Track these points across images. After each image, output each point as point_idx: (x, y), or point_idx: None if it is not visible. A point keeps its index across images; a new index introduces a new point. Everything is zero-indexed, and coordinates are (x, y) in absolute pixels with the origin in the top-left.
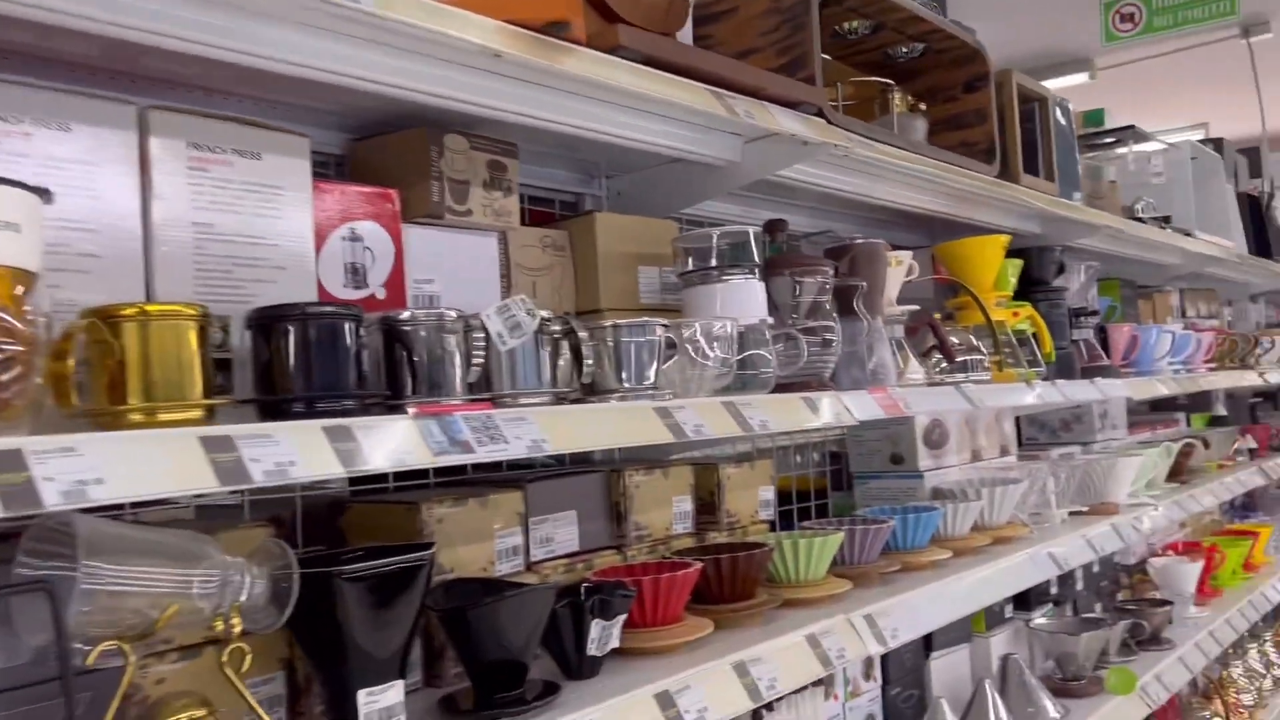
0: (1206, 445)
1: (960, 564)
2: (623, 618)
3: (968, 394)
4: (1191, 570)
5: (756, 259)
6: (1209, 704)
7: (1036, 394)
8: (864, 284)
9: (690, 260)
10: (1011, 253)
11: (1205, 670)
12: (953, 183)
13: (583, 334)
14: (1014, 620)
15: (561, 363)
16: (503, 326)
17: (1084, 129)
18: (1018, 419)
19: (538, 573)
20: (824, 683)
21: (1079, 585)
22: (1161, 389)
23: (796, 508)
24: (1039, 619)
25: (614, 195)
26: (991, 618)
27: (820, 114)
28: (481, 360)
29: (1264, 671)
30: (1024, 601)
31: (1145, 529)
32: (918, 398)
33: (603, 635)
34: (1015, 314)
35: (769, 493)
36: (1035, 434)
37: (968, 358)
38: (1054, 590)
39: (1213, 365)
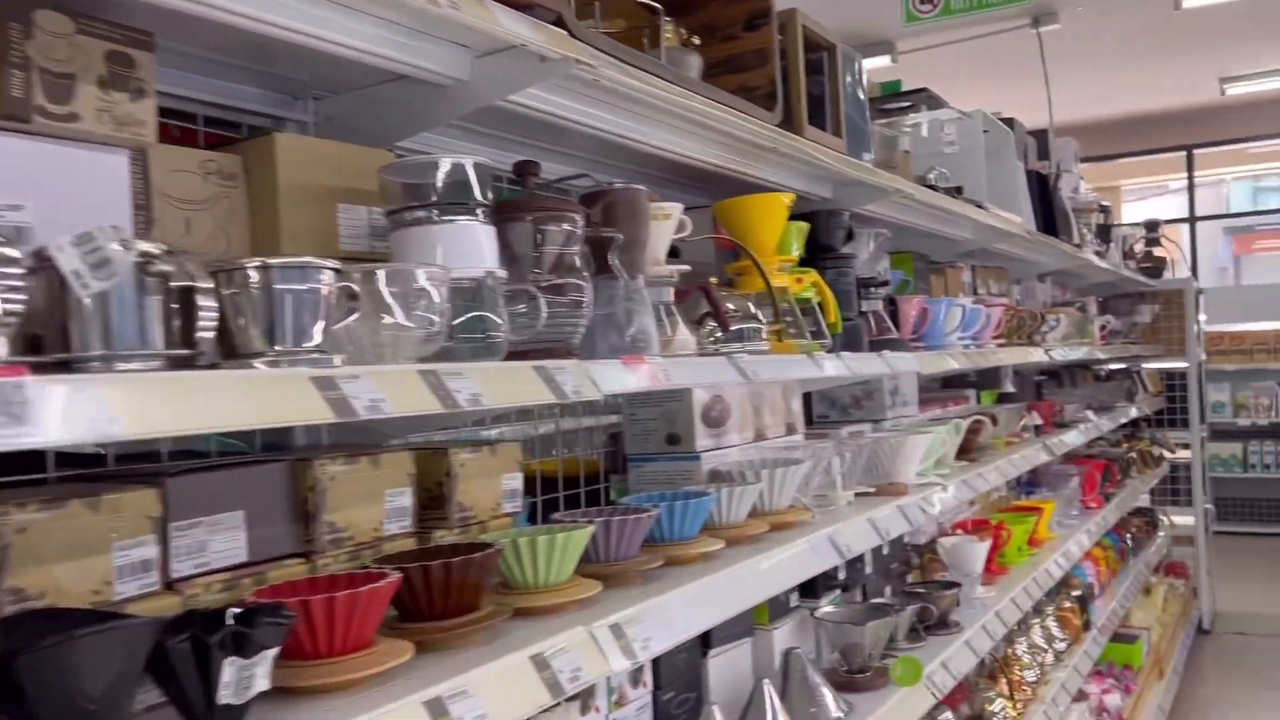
0: (995, 422)
1: (733, 555)
2: (272, 652)
3: (741, 366)
4: (980, 550)
5: (481, 197)
6: (994, 684)
7: (818, 367)
8: (621, 236)
9: (405, 198)
10: (798, 216)
11: (990, 650)
12: (729, 127)
13: (204, 280)
14: (799, 610)
15: (201, 318)
16: (82, 263)
17: (880, 97)
18: (809, 396)
19: (180, 593)
20: (579, 695)
21: (868, 569)
22: (951, 364)
23: (564, 495)
24: (826, 607)
25: (323, 121)
26: (776, 608)
27: (560, 23)
28: (13, 308)
29: (1046, 647)
30: (811, 589)
31: (934, 510)
32: (682, 369)
33: (241, 677)
34: (799, 280)
35: (516, 481)
36: (826, 411)
37: (744, 326)
38: (842, 575)
39: (1001, 341)
